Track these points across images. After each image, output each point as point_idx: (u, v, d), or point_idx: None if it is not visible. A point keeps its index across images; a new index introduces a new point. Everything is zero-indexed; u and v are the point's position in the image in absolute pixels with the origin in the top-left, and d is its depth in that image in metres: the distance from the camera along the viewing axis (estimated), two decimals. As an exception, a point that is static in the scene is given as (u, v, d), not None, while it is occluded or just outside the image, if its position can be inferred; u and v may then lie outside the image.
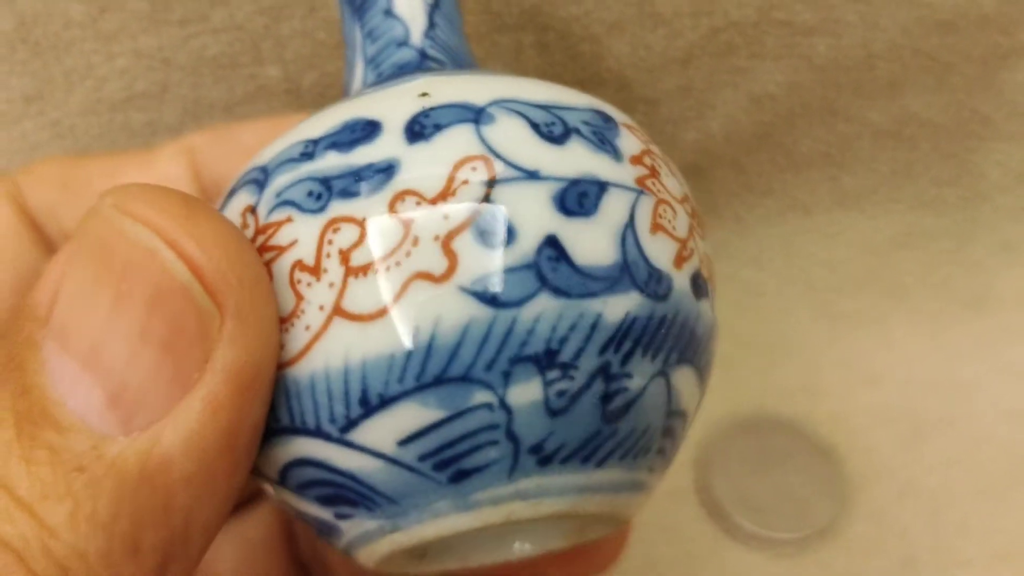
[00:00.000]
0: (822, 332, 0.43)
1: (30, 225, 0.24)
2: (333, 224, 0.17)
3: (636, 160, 0.19)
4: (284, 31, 0.34)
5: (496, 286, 0.17)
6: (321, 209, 0.18)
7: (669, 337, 0.18)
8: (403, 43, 0.23)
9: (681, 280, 0.18)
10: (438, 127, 0.18)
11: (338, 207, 0.18)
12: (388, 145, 0.18)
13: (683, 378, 0.19)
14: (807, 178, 0.41)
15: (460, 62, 0.23)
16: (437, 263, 0.17)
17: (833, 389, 0.41)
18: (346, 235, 0.17)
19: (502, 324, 0.17)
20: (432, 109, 0.18)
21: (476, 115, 0.18)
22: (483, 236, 0.17)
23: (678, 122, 0.38)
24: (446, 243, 0.17)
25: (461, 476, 0.17)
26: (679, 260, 0.18)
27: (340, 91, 0.35)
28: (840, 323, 0.43)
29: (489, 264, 0.17)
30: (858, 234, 0.42)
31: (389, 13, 0.23)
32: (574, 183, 0.18)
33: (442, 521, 0.18)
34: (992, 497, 0.38)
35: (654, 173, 0.19)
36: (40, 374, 0.16)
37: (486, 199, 0.17)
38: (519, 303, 0.17)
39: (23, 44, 0.33)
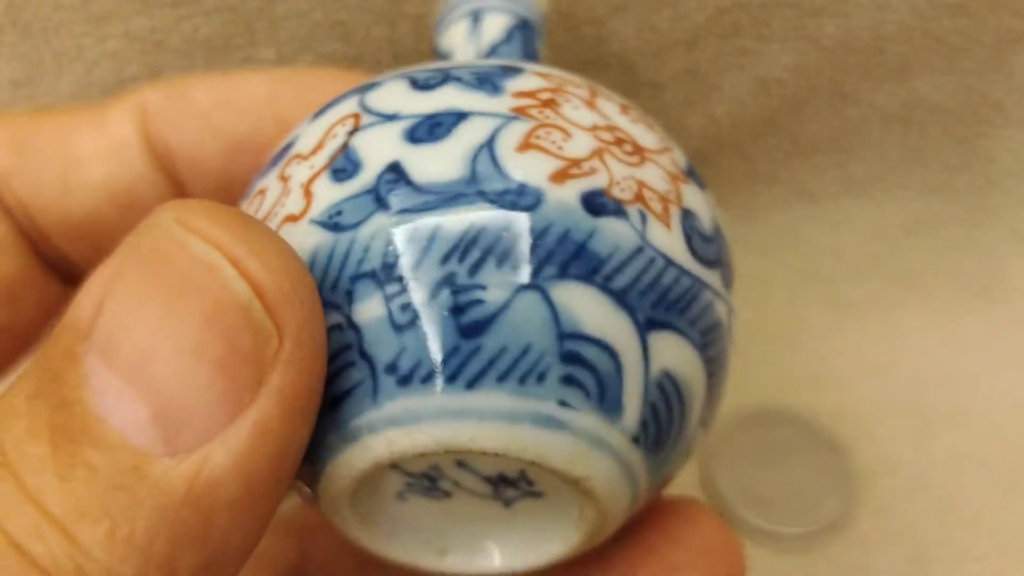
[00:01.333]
0: (829, 322, 0.42)
1: None
2: (260, 193, 0.20)
3: (525, 95, 0.19)
4: (278, 12, 0.33)
5: (339, 215, 0.18)
6: (255, 183, 0.21)
7: (538, 248, 0.18)
8: None
9: (560, 194, 0.18)
10: (332, 104, 0.20)
11: (261, 182, 0.20)
12: (299, 128, 0.21)
13: (576, 296, 0.18)
14: (814, 164, 0.40)
15: None
16: (298, 205, 0.19)
17: (840, 380, 0.40)
18: (261, 201, 0.20)
19: (342, 246, 0.18)
20: (354, 88, 0.21)
21: (365, 87, 0.20)
22: (334, 175, 0.19)
23: (683, 106, 0.37)
24: (307, 187, 0.19)
25: (336, 402, 0.18)
26: (560, 175, 0.18)
27: (336, 74, 0.35)
28: (848, 312, 0.42)
29: (335, 196, 0.18)
30: (866, 221, 0.42)
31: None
32: (429, 117, 0.19)
33: (338, 457, 0.18)
34: (1003, 491, 0.38)
35: (548, 104, 0.19)
36: (81, 389, 0.15)
37: (345, 143, 0.19)
38: (356, 225, 0.18)
39: (12, 27, 0.33)
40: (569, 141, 0.19)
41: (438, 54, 0.26)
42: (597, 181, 0.18)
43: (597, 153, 0.19)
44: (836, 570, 0.36)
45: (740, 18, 0.35)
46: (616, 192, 0.18)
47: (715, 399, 0.21)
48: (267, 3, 0.33)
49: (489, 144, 0.18)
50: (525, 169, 0.18)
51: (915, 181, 0.41)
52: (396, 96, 0.20)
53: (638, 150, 0.19)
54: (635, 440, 0.19)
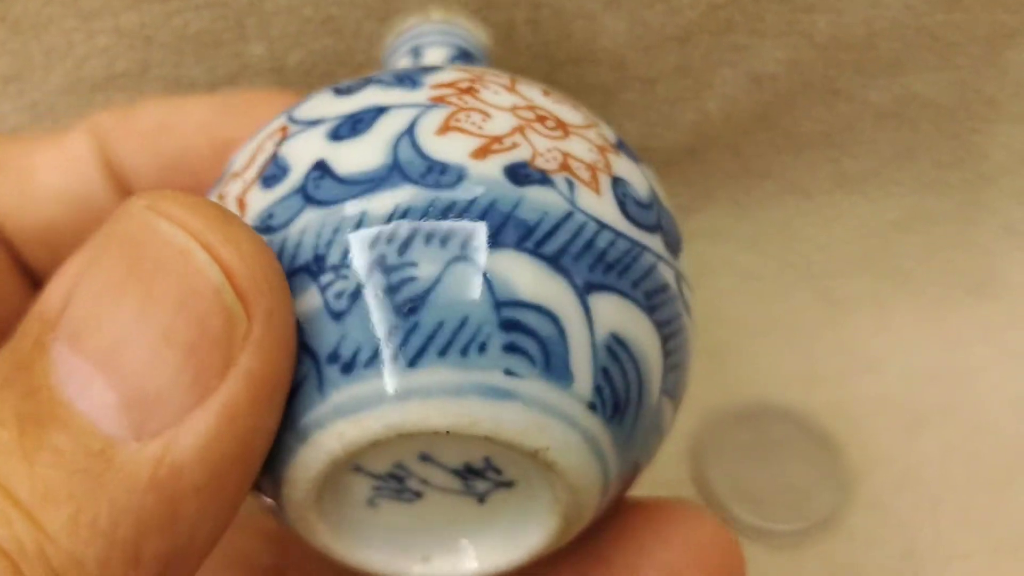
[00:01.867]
0: (821, 317, 0.42)
1: None
2: None
3: (444, 85, 0.20)
4: (269, 7, 0.33)
5: (270, 217, 0.19)
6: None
7: (463, 222, 0.18)
8: None
9: (482, 168, 0.18)
10: (265, 126, 0.21)
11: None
12: (236, 153, 0.21)
13: (508, 264, 0.18)
14: (807, 160, 0.40)
15: None
16: None
17: (832, 376, 0.40)
18: None
19: (275, 245, 0.18)
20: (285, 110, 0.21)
21: (298, 104, 0.21)
22: (264, 182, 0.19)
23: (675, 102, 0.37)
24: (241, 199, 0.19)
25: (287, 403, 0.18)
26: (482, 152, 0.18)
27: (327, 69, 0.35)
28: (839, 308, 0.42)
29: (266, 202, 0.19)
30: (858, 217, 0.42)
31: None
32: (351, 116, 0.19)
33: (294, 460, 0.18)
34: (994, 487, 0.38)
35: (468, 91, 0.20)
36: (48, 375, 0.15)
37: (274, 153, 0.20)
38: (287, 224, 0.18)
39: (1, 23, 0.33)
40: (489, 121, 0.19)
41: None
42: (520, 154, 0.19)
43: (518, 129, 0.19)
44: (828, 566, 0.36)
45: (733, 14, 0.34)
46: (540, 163, 0.19)
47: (677, 368, 0.21)
48: (257, -2, 0.33)
49: (409, 131, 0.19)
50: (446, 149, 0.18)
51: (908, 177, 0.41)
52: (321, 104, 0.20)
53: (561, 125, 0.20)
54: (591, 407, 0.18)
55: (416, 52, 0.27)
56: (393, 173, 0.18)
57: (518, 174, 0.18)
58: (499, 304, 0.18)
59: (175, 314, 0.15)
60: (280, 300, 0.16)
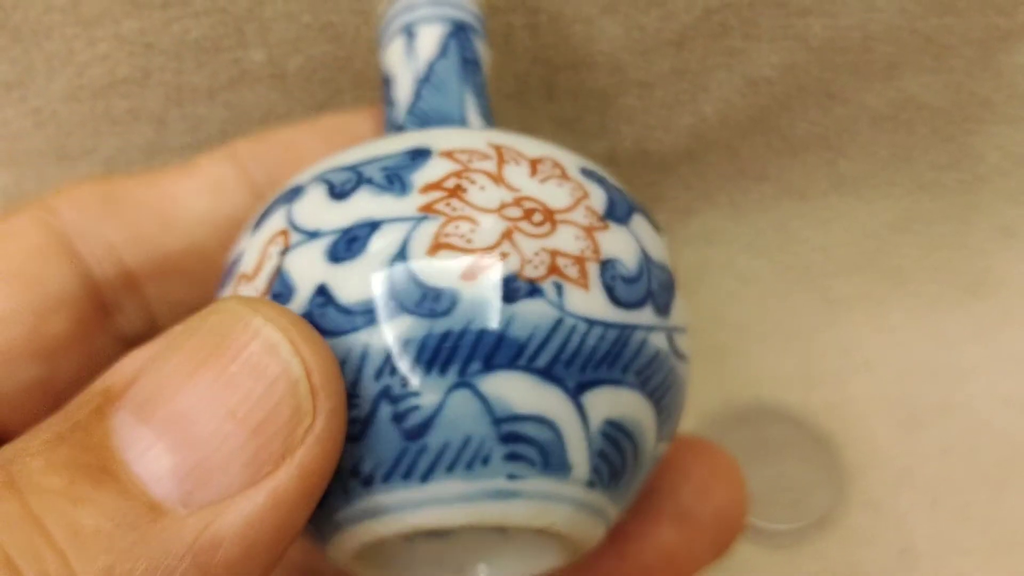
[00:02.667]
0: (818, 318, 0.42)
1: (61, 248, 0.24)
2: None
3: (431, 187, 0.20)
4: (268, 13, 0.33)
5: None
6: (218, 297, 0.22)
7: (460, 348, 0.19)
8: (393, 119, 0.26)
9: (473, 291, 0.19)
10: (265, 215, 0.22)
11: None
12: (242, 241, 0.22)
13: (503, 384, 0.19)
14: (803, 162, 0.40)
15: (447, 123, 0.25)
16: None
17: (830, 376, 0.41)
18: None
19: None
20: (272, 201, 0.22)
21: (290, 195, 0.22)
22: (276, 299, 0.20)
23: (672, 106, 0.37)
24: None
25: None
26: (471, 272, 0.19)
27: (327, 76, 0.35)
28: (837, 309, 0.42)
29: None
30: (855, 219, 0.42)
31: (388, 86, 0.27)
32: (346, 232, 0.20)
33: (330, 540, 0.21)
34: (990, 485, 0.38)
35: (455, 193, 0.20)
36: (108, 437, 0.16)
37: (279, 267, 0.20)
38: None
39: (2, 30, 0.33)
40: (477, 230, 0.20)
41: (383, 77, 0.27)
42: (508, 266, 0.19)
43: (506, 235, 0.19)
44: (826, 565, 0.37)
45: (728, 18, 0.35)
46: (528, 271, 0.19)
47: (671, 416, 0.22)
48: (257, 5, 0.33)
49: (402, 253, 0.19)
50: (437, 273, 0.19)
51: (904, 179, 0.41)
52: (316, 208, 0.21)
53: (548, 216, 0.20)
54: (590, 484, 0.20)
55: (409, 32, 0.27)
56: (391, 302, 0.19)
57: (508, 290, 0.19)
58: (498, 421, 0.19)
59: (247, 395, 0.16)
60: (341, 402, 0.17)
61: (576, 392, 0.19)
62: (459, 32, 0.27)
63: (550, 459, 0.19)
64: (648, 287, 0.21)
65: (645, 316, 0.21)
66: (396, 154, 0.21)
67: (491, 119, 0.26)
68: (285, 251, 0.21)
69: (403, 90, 0.26)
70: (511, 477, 0.19)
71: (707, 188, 0.41)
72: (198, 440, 0.16)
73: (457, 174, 0.20)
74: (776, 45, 0.36)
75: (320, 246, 0.20)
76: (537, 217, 0.20)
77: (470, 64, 0.27)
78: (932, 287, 0.42)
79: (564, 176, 0.21)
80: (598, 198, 0.21)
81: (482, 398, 0.19)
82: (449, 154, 0.21)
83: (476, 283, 0.19)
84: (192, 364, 0.16)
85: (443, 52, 0.26)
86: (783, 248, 0.42)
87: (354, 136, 0.26)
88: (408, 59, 0.27)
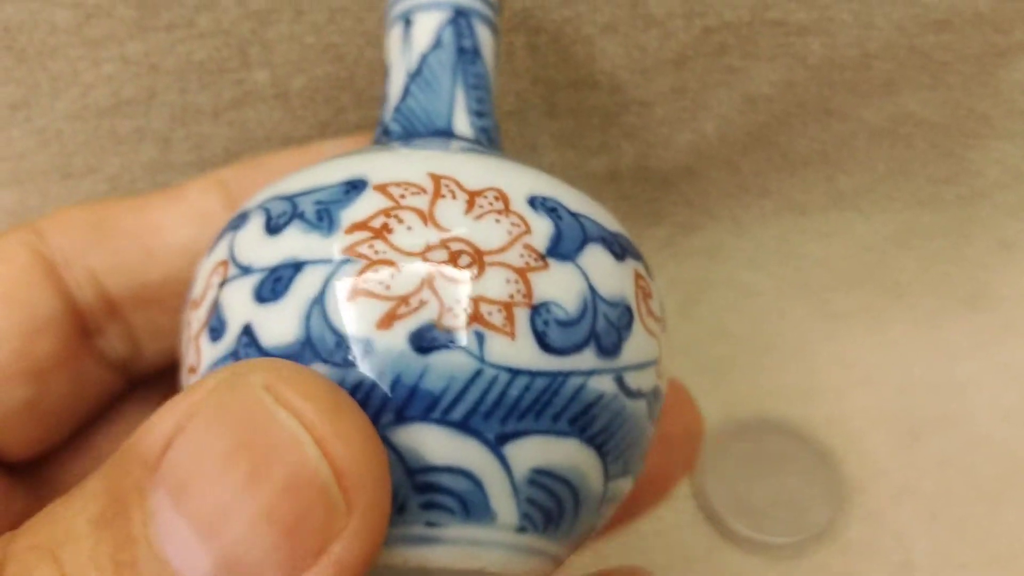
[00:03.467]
0: (819, 332, 0.42)
1: (47, 271, 0.24)
2: (185, 324, 0.22)
3: (358, 227, 0.19)
4: (271, 35, 0.33)
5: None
6: (184, 307, 0.23)
7: (372, 400, 0.18)
8: (382, 118, 0.26)
9: (387, 340, 0.18)
10: (218, 239, 0.22)
11: (184, 313, 0.23)
12: (201, 262, 0.22)
13: (416, 436, 0.18)
14: (803, 178, 0.41)
15: (429, 125, 0.25)
16: (194, 358, 0.21)
17: (830, 390, 0.41)
18: (183, 334, 0.22)
19: None
20: (225, 225, 0.22)
21: (238, 221, 0.21)
22: (211, 333, 0.20)
23: (672, 123, 0.38)
24: (196, 341, 0.21)
25: None
26: (387, 320, 0.18)
27: (329, 95, 0.35)
28: (837, 323, 0.42)
29: (212, 355, 0.20)
30: (854, 233, 0.42)
31: (385, 79, 0.26)
32: (272, 271, 0.20)
33: None
34: (989, 498, 0.38)
35: (380, 234, 0.19)
36: (147, 526, 0.16)
37: (216, 299, 0.20)
38: None
39: (8, 52, 0.33)
40: (397, 276, 0.19)
41: (385, 66, 0.26)
42: (426, 314, 0.19)
43: (427, 281, 0.19)
44: (826, 578, 0.37)
45: (727, 37, 0.35)
46: (447, 320, 0.19)
47: (623, 455, 0.21)
48: (260, 26, 0.33)
49: (320, 299, 0.19)
50: (353, 320, 0.19)
51: (903, 193, 0.41)
52: (252, 242, 0.20)
53: (477, 258, 0.19)
54: (521, 530, 0.19)
55: (407, 20, 0.26)
56: (306, 350, 0.19)
57: (423, 340, 0.18)
58: (411, 471, 0.19)
59: (280, 497, 0.16)
60: (380, 494, 0.17)
61: (497, 443, 0.19)
62: (458, 18, 0.26)
63: (470, 508, 0.19)
64: (591, 328, 0.20)
65: (584, 360, 0.20)
66: (333, 185, 0.20)
67: (486, 113, 0.25)
68: (223, 283, 0.21)
69: (395, 85, 0.26)
70: (429, 524, 0.19)
71: (708, 204, 0.41)
72: (233, 539, 0.16)
73: (386, 212, 0.20)
74: (775, 63, 0.36)
75: (250, 284, 0.20)
76: (464, 260, 0.19)
77: (467, 54, 0.25)
78: (931, 301, 0.43)
79: (505, 210, 0.20)
80: (542, 233, 0.20)
81: (394, 449, 0.18)
82: (383, 188, 0.20)
83: (391, 332, 0.18)
84: (221, 452, 0.16)
85: (437, 43, 0.25)
86: (784, 262, 0.42)
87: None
88: (403, 50, 0.26)
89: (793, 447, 0.39)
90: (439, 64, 0.25)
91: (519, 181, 0.21)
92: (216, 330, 0.20)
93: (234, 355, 0.19)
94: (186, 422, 0.17)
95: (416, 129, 0.25)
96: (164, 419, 0.17)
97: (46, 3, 0.32)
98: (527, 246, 0.20)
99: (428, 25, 0.25)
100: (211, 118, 0.35)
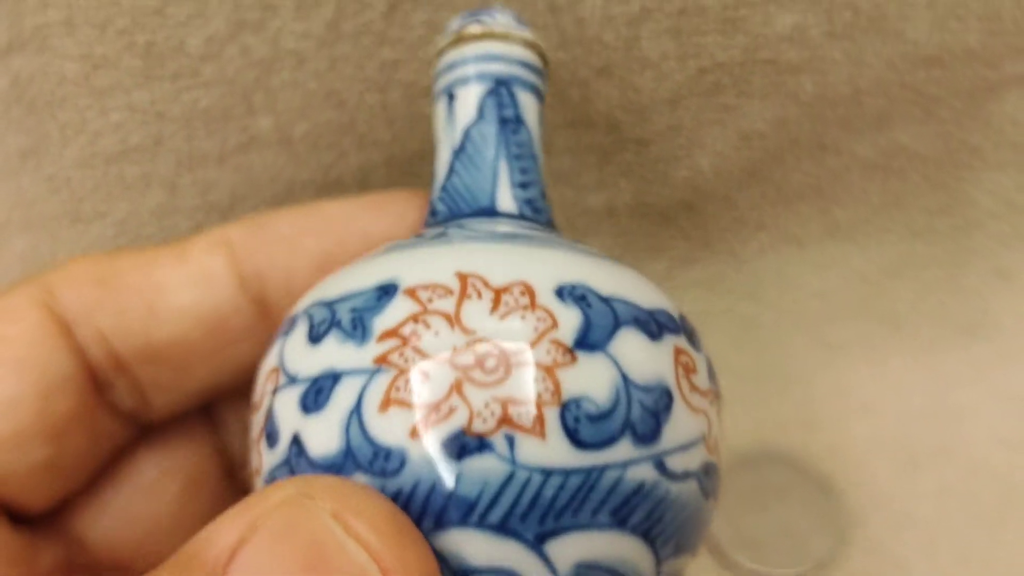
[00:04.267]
0: (818, 362, 0.43)
1: (60, 330, 0.24)
2: (253, 408, 0.24)
3: (388, 335, 0.20)
4: (274, 83, 0.34)
5: (274, 480, 0.21)
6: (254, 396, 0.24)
7: (411, 507, 0.19)
8: (431, 197, 0.26)
9: (420, 449, 0.19)
10: (273, 343, 0.23)
11: (254, 396, 0.24)
12: (262, 363, 0.24)
13: (456, 540, 0.19)
14: (798, 211, 0.41)
15: (473, 203, 0.25)
16: (257, 459, 0.22)
17: (829, 420, 0.41)
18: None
19: None
20: (279, 330, 0.23)
21: (288, 326, 0.22)
22: (268, 439, 0.21)
23: (669, 161, 0.38)
24: (257, 445, 0.22)
25: None
26: (419, 429, 0.19)
27: (332, 140, 0.36)
28: (835, 353, 0.43)
29: (270, 462, 0.21)
30: (851, 265, 0.43)
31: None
32: (314, 382, 0.20)
33: None
34: (990, 527, 0.38)
35: (409, 341, 0.20)
36: None
37: (271, 407, 0.21)
38: None
39: (18, 102, 0.34)
40: (426, 384, 0.19)
41: (433, 143, 0.27)
42: (456, 421, 0.19)
43: (455, 387, 0.19)
44: (829, 608, 0.37)
45: (720, 77, 0.36)
46: (477, 425, 0.19)
47: (673, 540, 0.21)
48: (263, 74, 0.34)
49: (357, 409, 0.20)
50: (387, 430, 0.19)
51: (898, 225, 0.42)
52: (297, 350, 0.21)
53: (503, 360, 0.19)
54: None
55: (450, 94, 0.26)
56: (348, 460, 0.19)
57: (455, 447, 0.19)
58: (455, 573, 0.19)
59: None
60: None
61: (537, 542, 0.19)
62: (499, 88, 0.26)
63: None
64: (626, 418, 0.20)
65: (620, 451, 0.20)
66: (367, 291, 0.21)
67: (531, 183, 0.26)
68: (275, 391, 0.21)
69: (441, 163, 0.26)
70: None
71: (706, 237, 0.42)
72: None
73: (415, 317, 0.20)
74: (768, 101, 0.37)
75: (296, 393, 0.21)
76: (490, 363, 0.19)
77: (509, 124, 0.26)
78: (929, 330, 0.43)
79: (531, 305, 0.20)
80: (569, 325, 0.20)
81: (438, 554, 0.19)
82: (412, 292, 0.21)
83: (423, 441, 0.19)
84: (290, 573, 0.17)
85: (480, 116, 0.26)
86: (782, 294, 0.43)
87: (351, 228, 0.26)
88: (447, 126, 0.26)
89: (794, 478, 0.39)
90: (481, 137, 0.26)
91: (548, 270, 0.21)
92: (271, 437, 0.21)
93: (287, 463, 0.20)
94: (250, 535, 0.17)
95: (460, 208, 0.25)
96: (228, 529, 0.17)
97: (55, 55, 0.33)
98: (554, 341, 0.20)
99: (470, 98, 0.26)
100: (216, 163, 0.36)
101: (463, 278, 0.21)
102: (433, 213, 0.26)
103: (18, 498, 0.24)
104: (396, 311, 0.20)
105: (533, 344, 0.20)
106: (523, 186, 0.25)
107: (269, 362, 0.22)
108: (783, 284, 0.43)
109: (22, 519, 0.24)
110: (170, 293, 0.25)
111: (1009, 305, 0.43)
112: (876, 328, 0.43)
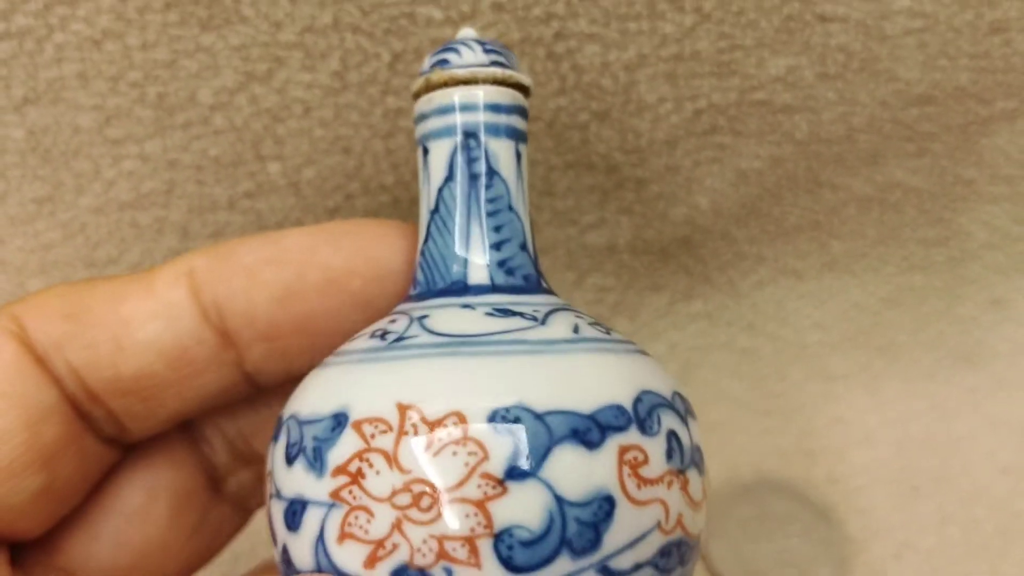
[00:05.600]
0: (817, 393, 0.43)
1: (36, 362, 0.24)
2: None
3: (339, 471, 0.21)
4: (282, 130, 0.35)
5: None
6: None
7: None
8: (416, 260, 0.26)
9: None
10: (271, 442, 0.24)
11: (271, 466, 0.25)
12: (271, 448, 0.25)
13: None
14: (796, 245, 0.42)
15: (446, 275, 0.25)
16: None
17: (829, 450, 0.42)
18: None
19: None
20: (276, 425, 0.24)
21: (277, 431, 0.24)
22: (272, 538, 0.23)
23: (668, 199, 0.39)
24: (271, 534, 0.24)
25: None
26: (371, 561, 0.21)
27: (338, 183, 0.37)
28: (835, 384, 0.44)
29: (277, 558, 0.23)
30: (849, 297, 0.43)
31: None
32: (291, 503, 0.22)
33: None
34: (989, 553, 0.39)
35: (356, 479, 0.21)
36: None
37: (269, 511, 0.23)
38: None
39: (33, 152, 0.35)
40: (373, 522, 0.21)
41: None
42: (400, 556, 0.20)
43: (396, 525, 0.20)
44: (832, 636, 0.38)
45: (716, 118, 0.36)
46: (418, 560, 0.20)
47: None
48: (272, 122, 0.35)
49: (321, 537, 0.21)
50: (345, 561, 0.21)
51: (894, 257, 0.43)
52: (279, 466, 0.23)
53: (435, 498, 0.20)
54: None
55: (424, 148, 0.25)
56: None
57: None
58: None
59: None
60: None
61: None
62: (467, 141, 0.24)
63: None
64: (561, 537, 0.20)
65: (558, 568, 0.20)
66: (324, 419, 0.22)
67: (508, 239, 0.25)
68: (271, 497, 0.23)
69: (421, 222, 0.26)
70: None
71: (706, 272, 0.43)
72: None
73: (360, 455, 0.21)
74: (763, 140, 0.38)
75: (281, 508, 0.22)
76: (425, 502, 0.20)
77: (479, 179, 0.24)
78: (927, 359, 0.44)
79: (463, 439, 0.21)
80: (501, 454, 0.20)
81: None
82: (358, 426, 0.21)
83: (375, 572, 0.20)
84: None
85: (450, 174, 0.25)
86: (781, 326, 0.44)
87: (312, 260, 0.26)
88: (424, 183, 0.25)
89: (795, 507, 0.40)
90: (452, 198, 0.25)
91: (484, 394, 0.21)
92: (274, 538, 0.23)
93: (284, 565, 0.23)
94: None
95: (434, 282, 0.25)
96: None
97: (69, 107, 0.34)
98: (484, 475, 0.20)
99: (440, 154, 0.25)
100: (227, 208, 0.37)
101: (402, 411, 0.21)
102: (414, 284, 0.25)
103: (15, 527, 0.24)
104: (345, 446, 0.21)
105: (464, 481, 0.20)
106: (498, 246, 0.25)
107: (267, 465, 0.24)
108: (782, 316, 0.43)
109: (19, 546, 0.25)
110: (135, 327, 0.25)
111: (1006, 333, 0.44)
112: (875, 358, 0.44)
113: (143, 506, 0.28)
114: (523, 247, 0.25)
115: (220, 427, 0.29)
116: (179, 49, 0.33)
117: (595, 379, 0.22)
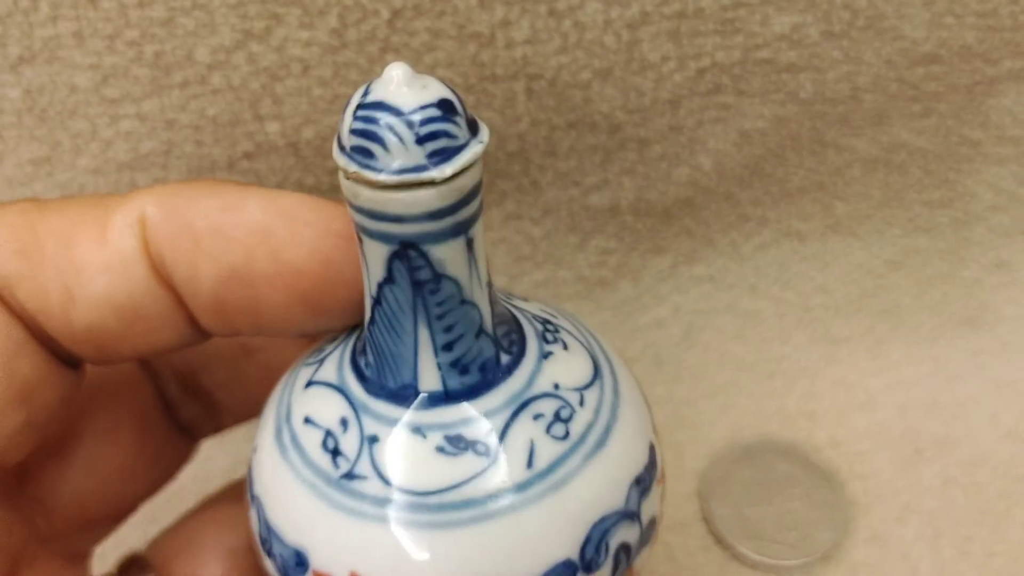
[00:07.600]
0: (821, 356, 0.43)
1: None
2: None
3: None
4: (280, 90, 0.35)
5: None
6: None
7: None
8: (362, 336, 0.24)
9: None
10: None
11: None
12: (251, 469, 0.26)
13: None
14: (800, 207, 0.42)
15: (396, 375, 0.22)
16: None
17: (832, 413, 0.42)
18: None
19: None
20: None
21: (248, 499, 0.25)
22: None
23: (671, 159, 0.39)
24: None
25: None
26: None
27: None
28: (838, 346, 0.43)
29: None
30: (853, 259, 0.43)
31: None
32: None
33: None
34: (993, 517, 0.39)
35: None
36: None
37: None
38: None
39: (30, 112, 0.35)
40: None
41: None
42: None
43: None
44: (833, 598, 0.38)
45: (719, 77, 0.36)
46: None
47: None
48: (270, 81, 0.35)
49: None
50: None
51: (899, 219, 0.42)
52: (257, 543, 0.25)
53: None
54: None
55: (359, 236, 0.21)
56: None
57: None
58: None
59: None
60: None
61: None
62: (406, 251, 0.20)
63: None
64: None
65: None
66: (288, 546, 0.23)
67: (459, 338, 0.22)
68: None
69: (366, 309, 0.22)
70: None
71: (709, 234, 0.42)
72: None
73: None
74: (767, 100, 0.37)
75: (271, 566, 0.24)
76: None
77: (426, 285, 0.21)
78: (930, 322, 0.44)
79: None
80: None
81: None
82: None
83: None
84: None
85: (389, 276, 0.21)
86: (784, 289, 0.43)
87: (262, 246, 0.24)
88: (364, 266, 0.22)
89: (797, 470, 0.40)
90: (395, 300, 0.21)
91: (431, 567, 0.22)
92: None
93: None
94: None
95: (386, 380, 0.23)
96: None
97: (65, 66, 0.34)
98: None
99: (376, 255, 0.21)
100: (226, 169, 0.37)
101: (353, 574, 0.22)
102: (362, 376, 0.23)
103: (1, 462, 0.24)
104: None
105: None
106: (449, 347, 0.22)
107: (249, 528, 0.26)
108: (785, 279, 0.43)
109: None
110: (87, 279, 0.24)
111: (1010, 296, 0.44)
112: (878, 321, 0.44)
113: (109, 430, 0.28)
114: (480, 333, 0.22)
115: (168, 361, 0.29)
116: (175, 6, 0.33)
117: (541, 540, 0.22)
